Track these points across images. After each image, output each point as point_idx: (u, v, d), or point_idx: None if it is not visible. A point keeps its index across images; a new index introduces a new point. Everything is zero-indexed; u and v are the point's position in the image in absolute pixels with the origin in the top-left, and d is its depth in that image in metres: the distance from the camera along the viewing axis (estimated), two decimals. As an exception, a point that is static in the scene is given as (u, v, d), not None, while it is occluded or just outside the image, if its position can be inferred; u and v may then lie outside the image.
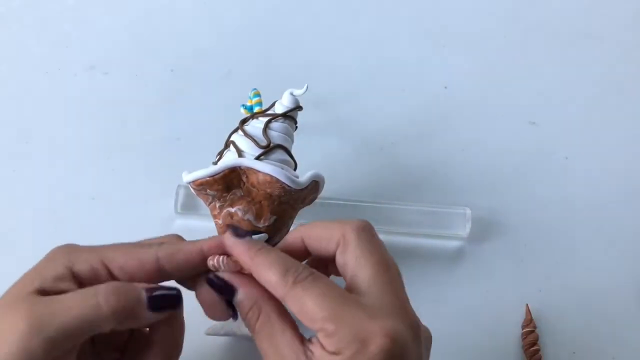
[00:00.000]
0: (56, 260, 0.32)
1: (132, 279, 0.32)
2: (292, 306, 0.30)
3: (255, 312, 0.32)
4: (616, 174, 0.53)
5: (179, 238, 0.35)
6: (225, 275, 0.33)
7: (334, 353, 0.28)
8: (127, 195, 0.50)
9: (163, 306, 0.32)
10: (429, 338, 0.33)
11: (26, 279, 0.31)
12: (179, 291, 0.33)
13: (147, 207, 0.49)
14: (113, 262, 0.32)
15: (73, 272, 0.32)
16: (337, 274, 0.34)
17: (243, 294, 0.32)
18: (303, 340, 0.30)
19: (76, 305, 0.30)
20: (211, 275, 0.33)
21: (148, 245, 0.33)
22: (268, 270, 0.31)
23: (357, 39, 0.60)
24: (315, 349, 0.29)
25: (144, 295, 0.31)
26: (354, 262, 0.32)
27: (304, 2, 0.62)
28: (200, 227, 0.47)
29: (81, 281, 0.32)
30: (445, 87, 0.57)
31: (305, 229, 0.34)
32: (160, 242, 0.34)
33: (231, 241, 0.33)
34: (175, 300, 0.33)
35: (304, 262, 0.34)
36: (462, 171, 0.53)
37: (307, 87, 0.42)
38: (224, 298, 0.33)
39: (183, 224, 0.49)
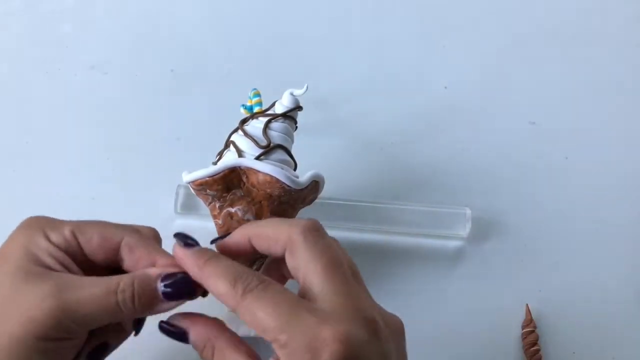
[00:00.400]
0: (35, 231, 0.33)
1: (94, 251, 0.33)
2: (244, 317, 0.30)
3: (209, 349, 0.32)
4: (616, 174, 0.53)
5: (148, 238, 0.35)
6: (175, 320, 0.33)
7: None
8: (127, 195, 0.50)
9: (178, 298, 0.32)
10: (397, 330, 0.31)
11: (16, 251, 0.32)
12: (190, 285, 0.32)
13: (147, 207, 0.49)
14: (81, 234, 0.33)
15: (51, 242, 0.33)
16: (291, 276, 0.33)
17: (194, 336, 0.32)
18: None
19: (99, 301, 0.31)
20: (161, 323, 0.33)
21: (118, 227, 0.34)
22: (217, 281, 0.31)
23: (357, 39, 0.60)
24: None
25: (160, 289, 0.32)
26: (304, 266, 0.31)
27: (304, 2, 0.62)
28: (200, 227, 0.47)
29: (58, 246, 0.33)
30: (445, 87, 0.57)
31: (252, 229, 0.34)
32: (134, 229, 0.34)
33: (179, 252, 0.32)
34: (187, 293, 0.33)
35: (266, 260, 0.35)
36: (462, 171, 0.53)
37: (307, 87, 0.42)
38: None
39: (183, 224, 0.49)
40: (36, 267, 0.31)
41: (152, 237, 0.35)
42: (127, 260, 0.34)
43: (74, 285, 0.31)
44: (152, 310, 0.32)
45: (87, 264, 0.33)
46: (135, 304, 0.31)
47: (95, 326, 0.32)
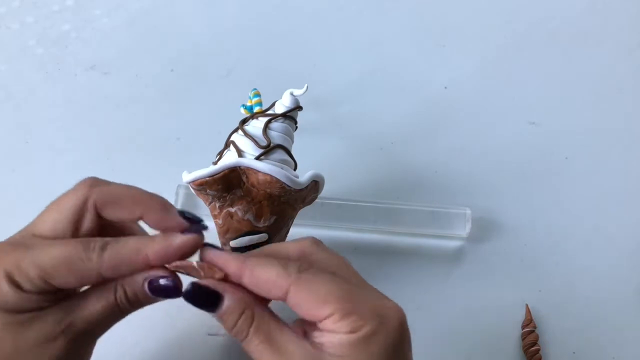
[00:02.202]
0: (2, 281, 0.30)
1: (73, 288, 0.32)
2: (300, 293, 0.29)
3: (249, 315, 0.30)
4: (616, 174, 0.53)
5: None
6: (208, 283, 0.31)
7: (351, 332, 0.29)
8: (127, 195, 0.50)
9: (162, 293, 0.32)
10: None
11: None
12: (177, 284, 0.32)
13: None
14: (53, 279, 0.30)
15: (24, 291, 0.30)
16: None
17: (232, 300, 0.30)
18: (306, 333, 0.30)
19: (100, 309, 0.31)
20: (190, 287, 0.31)
21: (86, 253, 0.30)
22: (265, 267, 0.30)
23: (357, 39, 0.60)
24: (323, 337, 0.29)
25: (146, 288, 0.32)
26: (326, 264, 0.32)
27: (304, 2, 0.62)
28: (200, 227, 0.47)
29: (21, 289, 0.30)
30: (445, 87, 0.57)
31: (257, 254, 0.33)
32: (102, 245, 0.31)
33: (212, 254, 0.31)
34: (172, 291, 0.32)
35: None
36: (462, 171, 0.53)
37: (307, 87, 0.42)
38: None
39: (183, 224, 0.49)
40: (25, 314, 0.30)
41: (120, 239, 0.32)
42: (113, 277, 0.32)
43: (74, 311, 0.31)
44: (146, 305, 0.32)
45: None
46: (132, 307, 0.32)
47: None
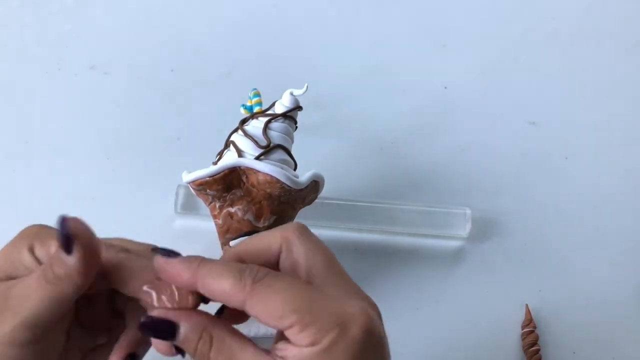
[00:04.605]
0: (23, 241, 0.31)
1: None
2: (256, 306, 0.28)
3: (207, 339, 0.29)
4: (616, 173, 0.53)
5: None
6: (160, 313, 0.29)
7: (311, 344, 0.27)
8: (127, 195, 0.50)
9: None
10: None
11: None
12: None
13: (147, 207, 0.49)
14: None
15: (35, 255, 0.31)
16: None
17: (187, 327, 0.29)
18: (267, 352, 0.29)
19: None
20: (143, 319, 0.29)
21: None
22: (219, 278, 0.29)
23: (357, 39, 0.60)
24: (285, 351, 0.28)
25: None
26: (305, 257, 0.31)
27: (304, 2, 0.62)
28: (200, 227, 0.47)
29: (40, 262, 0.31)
30: (445, 87, 0.57)
31: (240, 247, 0.32)
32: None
33: (162, 263, 0.29)
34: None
35: None
36: (462, 171, 0.53)
37: (307, 87, 0.42)
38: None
39: (183, 224, 0.49)
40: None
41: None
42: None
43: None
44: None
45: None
46: None
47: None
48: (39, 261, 0.31)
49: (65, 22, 0.60)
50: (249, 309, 0.28)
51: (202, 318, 0.30)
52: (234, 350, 0.29)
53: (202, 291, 0.29)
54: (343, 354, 0.28)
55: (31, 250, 0.31)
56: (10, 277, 0.31)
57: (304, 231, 0.32)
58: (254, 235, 0.33)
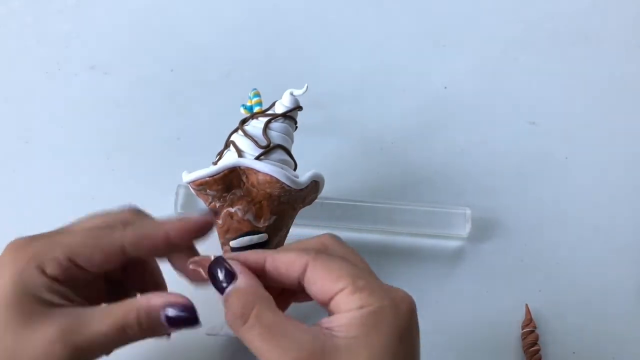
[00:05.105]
0: (28, 264, 0.30)
1: (98, 268, 0.32)
2: (316, 269, 0.30)
3: (260, 294, 0.30)
4: (616, 174, 0.53)
5: (139, 214, 0.35)
6: (230, 261, 0.32)
7: (361, 307, 0.29)
8: (127, 195, 0.49)
9: (180, 325, 0.32)
10: None
11: (9, 289, 0.30)
12: (194, 313, 0.32)
13: (147, 207, 0.48)
14: (79, 256, 0.31)
15: (47, 275, 0.30)
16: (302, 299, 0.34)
17: (243, 280, 0.31)
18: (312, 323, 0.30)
19: (108, 340, 0.30)
20: (216, 264, 0.31)
21: (110, 230, 0.32)
22: (285, 252, 0.32)
23: (357, 39, 0.60)
24: (330, 323, 0.29)
25: (164, 319, 0.31)
26: (345, 257, 0.33)
27: (304, 2, 0.62)
28: (200, 227, 0.47)
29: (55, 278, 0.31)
30: (445, 87, 0.57)
31: (270, 253, 0.33)
32: (123, 221, 0.33)
33: (234, 254, 0.33)
34: (192, 323, 0.32)
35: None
36: (462, 171, 0.53)
37: (307, 87, 0.42)
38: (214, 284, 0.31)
39: (183, 224, 0.49)
40: (36, 307, 0.29)
41: (136, 214, 0.35)
42: (135, 255, 0.33)
43: (80, 324, 0.29)
44: (155, 336, 0.32)
45: (85, 282, 0.32)
46: (142, 335, 0.31)
47: (103, 350, 0.31)
48: (56, 279, 0.30)
49: (65, 22, 0.60)
50: (310, 271, 0.30)
51: (256, 280, 0.31)
52: (278, 317, 0.29)
53: (268, 264, 0.31)
54: (392, 324, 0.29)
55: (42, 271, 0.30)
56: (38, 301, 0.30)
57: (338, 238, 0.34)
58: (292, 243, 0.34)
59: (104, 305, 0.32)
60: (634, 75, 0.58)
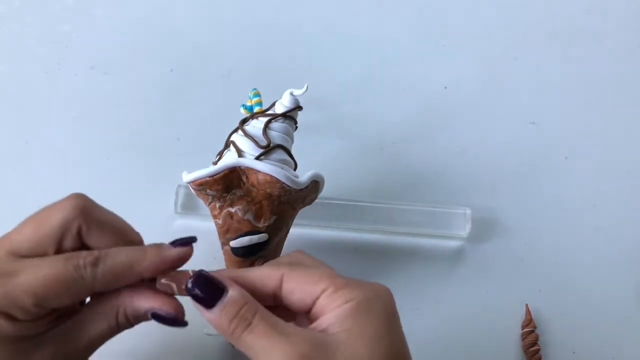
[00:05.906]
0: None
1: (67, 304, 0.31)
2: (293, 278, 0.31)
3: (252, 306, 0.30)
4: (616, 174, 0.53)
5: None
6: (214, 274, 0.31)
7: (346, 302, 0.29)
8: (127, 195, 0.50)
9: (168, 324, 0.32)
10: None
11: None
12: (181, 315, 0.32)
13: (147, 207, 0.49)
14: (47, 301, 0.30)
15: (19, 319, 0.30)
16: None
17: (235, 292, 0.30)
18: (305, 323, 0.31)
19: (95, 334, 0.32)
20: (197, 274, 0.31)
21: (79, 276, 0.30)
22: (260, 268, 0.32)
23: (357, 38, 0.60)
24: (322, 324, 0.30)
25: (151, 317, 0.32)
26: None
27: (304, 2, 0.62)
28: (200, 227, 0.47)
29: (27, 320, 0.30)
30: (445, 87, 0.57)
31: (242, 271, 0.33)
32: (92, 261, 0.31)
33: (209, 273, 0.32)
34: (179, 324, 0.32)
35: None
36: (462, 171, 0.53)
37: (307, 87, 0.42)
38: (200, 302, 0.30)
39: (183, 224, 0.49)
40: (22, 344, 0.31)
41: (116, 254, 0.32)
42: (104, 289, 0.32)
43: (68, 340, 0.32)
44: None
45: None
46: (132, 325, 0.33)
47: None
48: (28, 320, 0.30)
49: (65, 22, 0.60)
50: (286, 281, 0.31)
51: (246, 291, 0.31)
52: (276, 319, 0.30)
53: (241, 281, 0.31)
54: (381, 308, 0.30)
55: (14, 319, 0.30)
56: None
57: (308, 253, 0.34)
58: (252, 269, 0.33)
59: (87, 307, 0.33)
60: (634, 75, 0.58)
